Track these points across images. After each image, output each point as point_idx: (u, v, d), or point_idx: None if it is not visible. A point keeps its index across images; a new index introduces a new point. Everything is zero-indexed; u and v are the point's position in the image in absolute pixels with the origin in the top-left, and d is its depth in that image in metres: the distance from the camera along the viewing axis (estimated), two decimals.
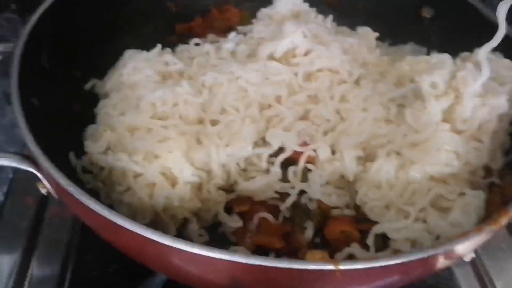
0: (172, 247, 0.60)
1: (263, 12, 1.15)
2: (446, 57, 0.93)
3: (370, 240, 0.81)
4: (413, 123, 0.86)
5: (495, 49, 0.94)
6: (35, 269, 0.92)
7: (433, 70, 0.90)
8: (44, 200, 1.02)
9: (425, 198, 0.80)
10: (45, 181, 0.73)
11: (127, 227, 0.61)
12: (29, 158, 0.73)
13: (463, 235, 0.66)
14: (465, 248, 0.67)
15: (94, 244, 0.91)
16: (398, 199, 0.83)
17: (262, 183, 0.88)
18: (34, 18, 0.90)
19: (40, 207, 1.02)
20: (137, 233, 0.61)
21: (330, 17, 1.12)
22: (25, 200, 1.04)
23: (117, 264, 0.90)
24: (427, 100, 0.87)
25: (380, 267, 0.59)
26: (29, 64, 0.87)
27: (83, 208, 0.65)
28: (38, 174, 0.72)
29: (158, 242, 0.60)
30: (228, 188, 0.90)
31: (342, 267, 0.58)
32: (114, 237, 0.70)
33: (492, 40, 0.83)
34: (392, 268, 0.61)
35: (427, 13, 1.17)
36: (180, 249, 0.60)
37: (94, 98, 1.01)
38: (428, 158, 0.83)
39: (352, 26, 1.16)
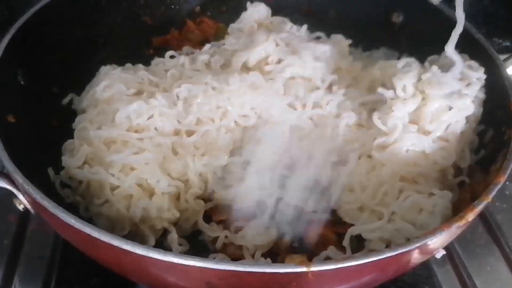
0: (146, 256, 0.61)
1: (233, 27, 1.17)
2: (412, 60, 0.96)
3: (346, 242, 0.83)
4: (381, 126, 0.88)
5: (460, 51, 0.97)
6: (17, 286, 0.92)
7: (401, 73, 0.93)
8: (25, 216, 1.02)
9: (397, 200, 0.82)
10: (21, 197, 0.74)
11: (102, 239, 0.62)
12: (4, 175, 0.73)
13: (431, 232, 0.67)
14: (434, 245, 0.69)
15: (75, 258, 0.91)
16: (371, 200, 0.85)
17: (240, 191, 0.90)
18: (8, 35, 0.92)
19: (21, 223, 1.02)
20: (112, 244, 0.62)
21: (305, 26, 1.14)
22: (5, 218, 1.04)
23: (98, 277, 0.90)
24: (394, 103, 0.89)
25: (351, 266, 0.61)
26: (4, 82, 0.88)
27: (59, 222, 0.66)
28: (14, 191, 0.73)
29: (133, 253, 0.61)
30: (206, 197, 0.92)
31: (314, 268, 0.60)
32: (92, 250, 0.71)
33: (453, 32, 0.86)
34: (363, 267, 0.62)
35: (396, 18, 1.20)
36: (154, 258, 0.61)
37: (73, 114, 1.03)
38: (396, 159, 0.85)
39: (326, 34, 1.19)
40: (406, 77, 0.90)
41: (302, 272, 0.60)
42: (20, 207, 0.74)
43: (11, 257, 0.97)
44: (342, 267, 0.60)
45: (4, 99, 0.85)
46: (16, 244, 0.99)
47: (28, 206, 0.75)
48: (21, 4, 1.33)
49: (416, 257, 0.70)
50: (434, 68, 0.90)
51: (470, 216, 0.71)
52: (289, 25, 1.11)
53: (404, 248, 0.63)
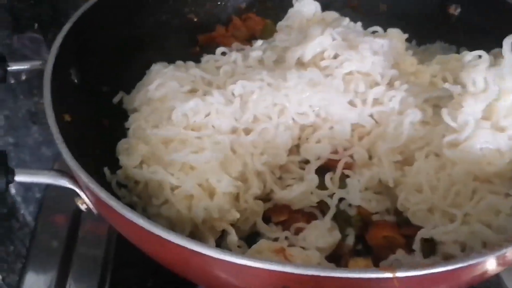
0: (219, 259, 0.58)
1: (281, 24, 1.14)
2: (481, 52, 0.91)
3: (416, 245, 0.78)
4: (451, 123, 0.84)
5: None
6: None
7: (469, 67, 0.88)
8: (76, 217, 1.01)
9: (471, 202, 0.77)
10: (84, 197, 0.72)
11: (172, 240, 0.59)
12: (67, 174, 0.71)
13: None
14: None
15: (131, 259, 0.90)
16: (442, 201, 0.80)
17: (299, 191, 0.86)
18: (62, 34, 0.90)
19: (72, 224, 1.01)
20: (182, 246, 0.59)
21: (359, 23, 1.10)
22: (55, 219, 1.03)
23: (154, 278, 0.88)
24: (463, 98, 0.84)
25: (439, 272, 0.57)
26: (60, 81, 0.86)
27: (125, 222, 0.63)
28: (77, 190, 0.71)
29: (204, 255, 0.58)
30: (265, 197, 0.88)
31: (399, 274, 0.56)
32: (157, 251, 0.69)
33: None
34: (449, 274, 0.58)
35: (453, 10, 1.14)
36: (229, 261, 0.58)
37: (122, 113, 1.01)
38: (469, 157, 0.80)
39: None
40: (476, 70, 0.85)
41: (387, 278, 0.56)
42: (83, 207, 0.72)
43: (63, 259, 0.95)
44: (430, 273, 0.56)
45: (60, 97, 0.84)
46: (68, 245, 0.98)
47: (91, 206, 0.73)
48: (64, 5, 1.33)
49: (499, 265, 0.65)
50: (509, 58, 0.85)
51: None
52: (344, 20, 1.06)
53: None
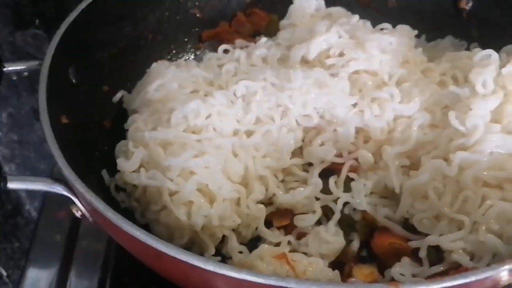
0: (218, 273, 0.56)
1: (284, 23, 1.10)
2: (490, 51, 0.87)
3: (422, 253, 0.76)
4: (459, 127, 0.80)
5: None
6: (73, 283, 0.90)
7: (479, 67, 0.84)
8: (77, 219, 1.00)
9: (480, 209, 0.74)
10: (79, 205, 0.70)
11: (169, 253, 0.57)
12: (62, 181, 0.70)
13: None
14: None
15: (131, 264, 0.88)
16: (449, 208, 0.77)
17: (303, 195, 0.84)
18: (59, 32, 0.88)
19: (74, 220, 0.99)
20: (181, 260, 0.57)
21: (368, 22, 1.06)
22: (58, 214, 1.02)
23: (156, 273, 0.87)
24: (472, 100, 0.81)
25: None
26: (57, 80, 0.84)
27: (122, 234, 0.61)
28: (72, 197, 0.69)
29: (205, 270, 0.56)
30: (267, 201, 0.86)
31: None
32: (155, 263, 0.67)
33: None
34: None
35: (465, 4, 1.10)
36: (226, 275, 0.56)
37: (124, 113, 0.99)
38: (478, 162, 0.77)
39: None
40: (485, 71, 0.82)
41: None
42: (78, 214, 0.70)
43: (65, 254, 0.94)
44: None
45: (57, 98, 0.82)
46: (70, 240, 0.96)
47: (87, 214, 0.71)
48: (68, 1, 1.31)
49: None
50: None
51: None
52: (353, 17, 1.02)
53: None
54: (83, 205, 0.69)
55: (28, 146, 1.54)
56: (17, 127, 1.51)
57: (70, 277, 0.91)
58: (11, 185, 0.66)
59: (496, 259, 0.71)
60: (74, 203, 0.70)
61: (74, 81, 0.90)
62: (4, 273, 1.64)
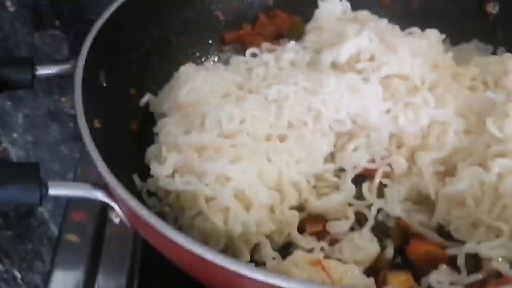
0: (267, 283, 0.55)
1: (310, 27, 1.09)
2: None
3: (461, 261, 0.75)
4: (497, 133, 0.80)
5: None
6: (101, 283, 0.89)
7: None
8: (104, 213, 0.98)
9: None
10: (118, 210, 0.69)
11: (217, 262, 0.56)
12: (101, 187, 0.69)
13: None
14: None
15: (157, 268, 0.87)
16: (487, 215, 0.76)
17: (336, 201, 0.83)
18: (91, 35, 0.87)
19: (99, 222, 0.98)
20: (229, 268, 0.56)
21: (396, 26, 1.05)
22: (80, 216, 1.01)
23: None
24: (510, 107, 0.80)
25: None
26: (89, 85, 0.83)
27: (164, 240, 0.61)
28: (112, 204, 0.68)
29: (255, 279, 0.55)
30: (299, 207, 0.85)
31: None
32: (197, 269, 0.66)
33: None
34: None
35: (492, 8, 1.10)
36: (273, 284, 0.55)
37: (149, 117, 0.98)
38: None
39: (410, 27, 1.10)
40: None
41: None
42: (117, 221, 0.70)
43: (91, 255, 0.93)
44: None
45: (89, 102, 0.81)
46: (95, 244, 0.95)
47: (125, 221, 0.70)
48: (87, 2, 1.30)
49: None
50: None
51: None
52: (382, 21, 1.02)
53: None
54: (122, 211, 0.69)
55: (43, 148, 1.53)
56: (32, 128, 1.50)
57: (98, 277, 0.89)
58: (52, 191, 0.65)
59: None
60: (112, 209, 0.69)
61: (104, 84, 0.90)
62: (18, 275, 1.63)
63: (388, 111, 0.88)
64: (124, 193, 0.63)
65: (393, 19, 1.12)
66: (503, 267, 0.72)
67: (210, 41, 1.16)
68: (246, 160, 0.78)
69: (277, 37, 1.15)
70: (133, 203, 0.62)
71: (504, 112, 0.80)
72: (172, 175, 0.80)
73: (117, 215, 0.70)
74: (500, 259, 0.73)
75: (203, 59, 1.15)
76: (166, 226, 0.60)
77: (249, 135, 0.83)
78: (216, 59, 1.15)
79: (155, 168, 0.81)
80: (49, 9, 1.30)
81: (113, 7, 0.94)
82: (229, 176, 0.77)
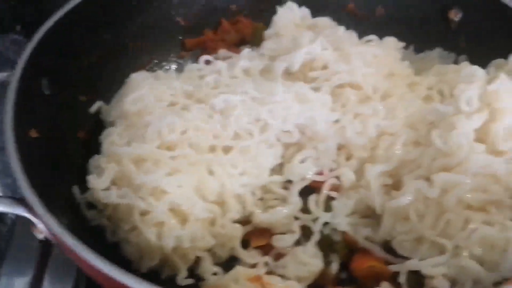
0: None
1: (268, 33, 1.06)
2: (476, 68, 0.85)
3: (402, 279, 0.73)
4: (442, 146, 0.77)
5: None
6: None
7: (464, 84, 0.82)
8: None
9: (463, 232, 0.71)
10: (41, 227, 0.67)
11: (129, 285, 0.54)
12: (23, 202, 0.66)
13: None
14: None
15: None
16: (430, 231, 0.74)
17: (282, 215, 0.81)
18: (32, 43, 0.85)
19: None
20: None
21: (354, 33, 1.03)
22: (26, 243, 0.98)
23: None
24: (456, 118, 0.78)
25: None
26: (28, 93, 0.81)
27: (85, 263, 0.58)
28: (33, 220, 0.66)
29: None
30: (244, 220, 0.83)
31: None
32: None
33: None
34: None
35: (455, 15, 1.07)
36: None
37: (101, 124, 0.96)
38: (462, 184, 0.74)
39: (374, 33, 1.07)
40: (470, 87, 0.79)
41: None
42: (40, 236, 0.67)
43: (39, 261, 0.91)
44: None
45: (26, 113, 0.79)
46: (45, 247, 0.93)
47: (48, 235, 0.68)
48: (49, 5, 1.27)
49: None
50: (503, 76, 0.79)
51: None
52: (339, 29, 0.99)
53: None
54: (45, 227, 0.66)
55: None
56: None
57: (44, 283, 0.87)
58: None
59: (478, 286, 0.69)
60: (35, 226, 0.67)
61: (47, 92, 0.87)
62: None
63: (336, 121, 0.85)
64: (40, 208, 0.61)
65: (357, 26, 1.10)
66: (444, 286, 0.70)
67: (170, 48, 1.13)
68: (184, 173, 0.76)
69: (240, 43, 1.13)
70: (48, 218, 0.60)
71: (451, 124, 0.78)
72: (109, 188, 0.78)
73: (40, 231, 0.67)
74: (441, 277, 0.71)
75: (162, 66, 1.12)
76: (77, 244, 0.58)
77: (191, 146, 0.81)
78: (175, 66, 1.13)
79: (92, 180, 0.78)
80: (10, 14, 1.27)
81: (61, 13, 0.91)
82: (165, 189, 0.74)
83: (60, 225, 0.60)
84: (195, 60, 1.09)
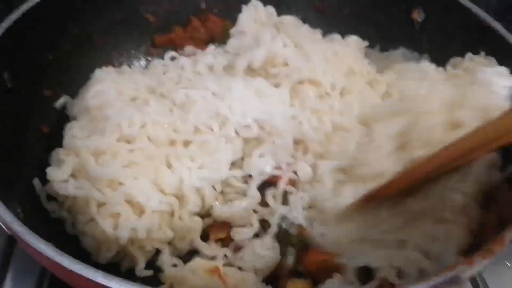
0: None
1: (233, 32, 1.07)
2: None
3: (349, 275, 0.74)
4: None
5: (487, 53, 0.88)
6: None
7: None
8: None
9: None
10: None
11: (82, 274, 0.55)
12: None
13: (451, 268, 0.59)
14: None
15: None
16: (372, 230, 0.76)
17: (240, 207, 0.82)
18: None
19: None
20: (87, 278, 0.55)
21: (318, 30, 1.04)
22: None
23: None
24: None
25: None
26: None
27: (25, 245, 0.59)
28: None
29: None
30: (204, 213, 0.84)
31: None
32: (72, 281, 0.64)
33: None
34: None
35: (418, 15, 1.10)
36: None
37: (67, 119, 0.96)
38: None
39: (341, 32, 1.09)
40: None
41: None
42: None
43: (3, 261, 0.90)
44: None
45: None
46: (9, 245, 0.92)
47: (4, 228, 0.68)
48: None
49: None
50: None
51: (498, 248, 0.62)
52: (303, 26, 1.01)
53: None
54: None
55: None
56: None
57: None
58: None
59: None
60: None
61: (9, 85, 0.87)
62: None
63: (293, 116, 0.87)
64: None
65: (325, 25, 1.12)
66: (390, 275, 0.71)
67: (139, 44, 1.14)
68: (141, 165, 0.76)
69: (210, 41, 1.14)
70: (2, 211, 0.60)
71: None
72: (67, 180, 0.78)
73: None
74: (387, 267, 0.72)
75: (131, 62, 1.13)
76: (35, 237, 0.58)
77: (151, 140, 0.81)
78: (144, 63, 1.14)
79: (50, 172, 0.79)
80: None
81: (26, 7, 0.91)
82: (121, 181, 0.75)
83: (14, 218, 0.60)
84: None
